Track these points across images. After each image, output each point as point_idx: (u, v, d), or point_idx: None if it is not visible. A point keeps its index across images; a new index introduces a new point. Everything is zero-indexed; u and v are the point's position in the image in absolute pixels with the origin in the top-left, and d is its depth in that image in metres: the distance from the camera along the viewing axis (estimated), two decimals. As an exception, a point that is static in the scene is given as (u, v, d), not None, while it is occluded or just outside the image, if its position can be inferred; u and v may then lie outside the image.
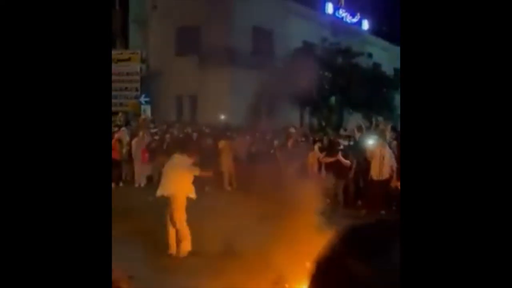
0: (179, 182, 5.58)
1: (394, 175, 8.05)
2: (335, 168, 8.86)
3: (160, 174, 11.64)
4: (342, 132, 11.95)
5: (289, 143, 9.86)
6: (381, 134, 9.60)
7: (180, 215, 5.54)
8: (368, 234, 0.71)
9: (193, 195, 5.68)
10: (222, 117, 16.32)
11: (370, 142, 8.76)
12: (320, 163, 9.18)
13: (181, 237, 5.59)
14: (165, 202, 5.76)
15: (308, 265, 4.17)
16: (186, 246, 5.61)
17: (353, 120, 13.39)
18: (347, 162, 8.80)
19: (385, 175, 8.09)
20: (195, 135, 12.14)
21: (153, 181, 11.59)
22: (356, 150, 9.08)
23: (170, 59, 19.76)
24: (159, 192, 5.65)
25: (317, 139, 10.67)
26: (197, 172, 5.67)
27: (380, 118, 12.84)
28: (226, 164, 10.61)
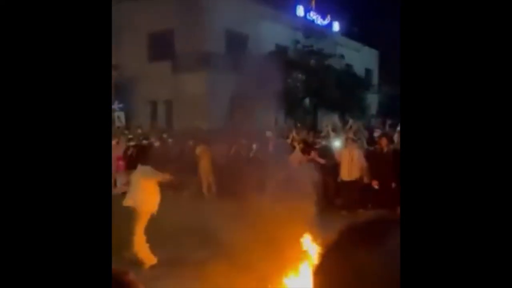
0: (142, 194, 5.45)
1: (364, 175, 8.23)
2: (314, 167, 8.99)
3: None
4: (317, 132, 12.11)
5: (270, 146, 9.91)
6: (352, 135, 9.81)
7: (139, 228, 5.37)
8: (369, 227, 0.75)
9: (154, 209, 5.51)
10: (198, 121, 16.28)
11: (339, 143, 8.96)
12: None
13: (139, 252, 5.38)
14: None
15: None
16: (149, 259, 5.46)
17: (327, 120, 13.58)
18: (322, 161, 8.94)
19: (355, 175, 8.24)
20: (170, 141, 12.08)
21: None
22: (331, 150, 9.24)
23: (143, 65, 19.58)
24: (125, 202, 5.46)
25: (294, 140, 10.77)
26: (158, 177, 5.57)
27: (352, 119, 13.09)
28: (205, 169, 10.60)
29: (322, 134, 11.12)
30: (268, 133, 10.76)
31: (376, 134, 9.73)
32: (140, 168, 5.69)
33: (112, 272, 0.73)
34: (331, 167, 8.92)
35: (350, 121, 12.38)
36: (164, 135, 12.45)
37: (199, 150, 10.80)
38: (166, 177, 5.66)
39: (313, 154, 9.06)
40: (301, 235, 4.99)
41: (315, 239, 4.73)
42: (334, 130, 10.84)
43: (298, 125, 14.57)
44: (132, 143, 11.95)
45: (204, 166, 10.62)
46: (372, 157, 8.28)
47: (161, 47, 19.62)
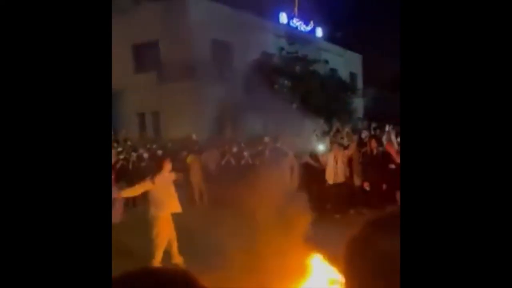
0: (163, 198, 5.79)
1: (353, 178, 8.33)
2: (306, 172, 9.06)
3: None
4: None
5: (267, 152, 9.92)
6: (340, 139, 9.94)
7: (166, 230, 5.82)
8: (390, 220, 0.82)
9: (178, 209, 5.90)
10: (187, 131, 16.29)
11: (324, 147, 9.07)
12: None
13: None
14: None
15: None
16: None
17: (315, 125, 13.71)
18: (316, 164, 9.01)
19: (341, 178, 8.34)
20: (160, 152, 12.04)
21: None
22: (319, 154, 9.31)
23: (129, 76, 19.53)
24: (151, 213, 5.77)
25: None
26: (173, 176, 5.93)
27: (338, 123, 13.24)
28: (196, 178, 10.61)
29: (310, 138, 11.21)
30: (266, 139, 10.81)
31: (363, 135, 9.88)
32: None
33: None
34: (321, 171, 9.01)
35: (337, 125, 12.55)
36: (154, 146, 12.41)
37: (189, 159, 10.82)
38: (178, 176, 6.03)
39: (306, 158, 9.16)
40: (297, 243, 5.04)
41: (312, 246, 4.80)
42: (322, 134, 10.98)
43: (288, 130, 14.67)
44: (121, 156, 11.89)
45: (195, 175, 10.63)
46: (362, 159, 8.41)
47: (146, 58, 19.62)
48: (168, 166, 5.81)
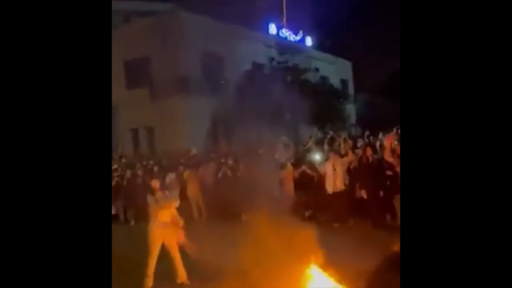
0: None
1: (350, 186, 8.28)
2: (304, 182, 9.07)
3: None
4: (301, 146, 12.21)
5: (263, 164, 9.82)
6: (334, 147, 9.96)
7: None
8: None
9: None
10: (182, 145, 16.26)
11: (320, 156, 9.06)
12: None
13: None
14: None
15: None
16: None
17: (310, 134, 13.75)
18: (314, 173, 9.01)
19: (340, 187, 8.28)
20: (156, 168, 11.99)
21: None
22: (316, 163, 9.31)
23: (122, 93, 19.51)
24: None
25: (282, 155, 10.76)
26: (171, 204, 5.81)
27: (331, 131, 13.26)
28: (193, 193, 10.57)
29: (306, 147, 11.22)
30: (261, 150, 10.77)
31: (359, 144, 9.92)
32: (150, 197, 5.80)
33: None
34: (318, 180, 9.00)
35: (331, 133, 12.57)
36: (151, 162, 12.37)
37: (186, 174, 10.77)
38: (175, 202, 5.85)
39: (304, 167, 9.18)
40: (297, 253, 5.04)
41: (313, 256, 4.80)
42: (317, 143, 11.01)
43: (284, 140, 14.69)
44: (116, 174, 11.84)
45: (192, 190, 10.57)
46: (358, 167, 8.43)
47: (138, 73, 19.63)
48: (156, 185, 5.81)
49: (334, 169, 8.28)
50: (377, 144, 9.43)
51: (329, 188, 8.32)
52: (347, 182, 8.30)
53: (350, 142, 10.34)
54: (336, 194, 8.23)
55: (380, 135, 9.40)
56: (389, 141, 7.22)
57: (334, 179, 8.25)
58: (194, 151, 13.28)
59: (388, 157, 7.07)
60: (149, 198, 5.73)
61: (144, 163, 12.47)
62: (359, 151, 9.02)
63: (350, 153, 8.63)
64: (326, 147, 10.21)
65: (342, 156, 8.73)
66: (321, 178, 8.67)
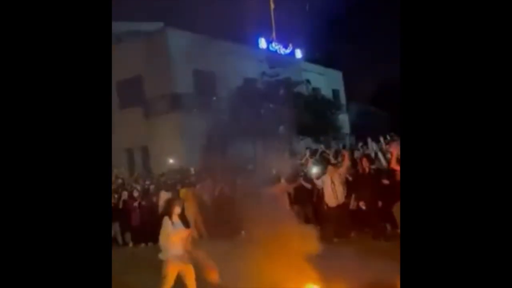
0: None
1: (349, 198, 8.19)
2: (300, 195, 9.01)
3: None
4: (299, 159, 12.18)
5: (258, 179, 9.71)
6: (331, 158, 9.93)
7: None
8: None
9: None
10: (177, 164, 16.22)
11: (317, 170, 8.96)
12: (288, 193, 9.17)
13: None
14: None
15: None
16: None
17: (304, 146, 13.77)
18: (309, 186, 8.95)
19: (340, 199, 8.16)
20: (152, 187, 11.92)
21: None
22: (312, 176, 9.24)
23: (115, 113, 19.45)
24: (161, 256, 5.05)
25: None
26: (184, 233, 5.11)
27: (322, 145, 13.24)
28: (191, 211, 10.48)
29: (302, 161, 11.17)
30: (251, 167, 10.74)
31: (356, 155, 9.91)
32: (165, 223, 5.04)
33: None
34: (316, 193, 8.95)
35: (326, 144, 12.60)
36: (147, 182, 12.30)
37: (182, 193, 10.68)
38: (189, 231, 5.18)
39: (300, 180, 9.12)
40: (298, 269, 5.02)
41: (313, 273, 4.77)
42: (312, 155, 10.98)
43: (277, 154, 14.70)
44: (115, 195, 11.75)
45: (190, 208, 10.49)
46: (355, 178, 8.42)
47: (131, 93, 19.65)
48: (178, 210, 5.08)
49: (333, 182, 8.21)
50: (372, 153, 9.44)
51: (330, 201, 8.21)
52: (346, 194, 8.21)
53: (346, 152, 10.31)
54: (337, 207, 8.13)
55: (375, 146, 9.41)
56: (395, 150, 7.17)
57: (334, 192, 8.15)
58: (192, 170, 13.21)
59: (394, 165, 7.05)
60: (166, 221, 4.94)
61: (141, 183, 12.39)
62: (354, 162, 9.01)
63: (346, 164, 8.56)
64: (321, 159, 10.18)
65: (338, 168, 8.66)
66: (319, 192, 8.62)
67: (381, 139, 9.74)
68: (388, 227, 7.97)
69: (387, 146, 8.87)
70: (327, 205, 8.26)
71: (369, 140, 10.07)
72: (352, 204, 8.12)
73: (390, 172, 7.76)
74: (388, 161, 7.88)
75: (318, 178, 8.63)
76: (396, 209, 7.78)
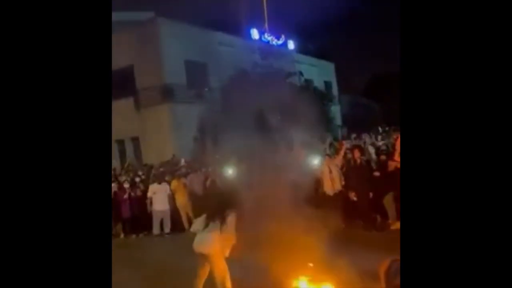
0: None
1: (343, 188, 8.25)
2: (299, 185, 8.98)
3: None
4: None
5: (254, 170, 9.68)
6: (327, 149, 9.94)
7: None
8: None
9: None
10: (168, 155, 16.13)
11: (312, 159, 8.98)
12: None
13: None
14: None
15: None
16: None
17: (298, 138, 13.74)
18: (307, 177, 8.93)
19: (338, 187, 8.24)
20: (143, 178, 11.84)
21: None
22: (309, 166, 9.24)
23: (105, 104, 19.33)
24: (197, 249, 4.81)
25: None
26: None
27: (316, 135, 13.22)
28: (182, 203, 10.48)
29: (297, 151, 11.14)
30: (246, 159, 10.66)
31: (348, 145, 9.94)
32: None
33: None
34: (313, 183, 8.95)
35: (319, 135, 12.56)
36: (140, 174, 12.22)
37: (173, 184, 10.65)
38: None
39: (296, 172, 9.08)
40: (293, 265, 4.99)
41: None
42: (307, 146, 10.95)
43: (271, 145, 14.68)
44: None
45: (181, 200, 10.48)
46: (347, 169, 8.43)
47: (121, 84, 19.45)
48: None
49: (330, 171, 8.22)
50: (363, 144, 9.47)
51: (329, 190, 8.24)
52: (343, 182, 8.26)
53: (343, 143, 10.31)
54: (335, 196, 8.17)
55: (366, 139, 9.43)
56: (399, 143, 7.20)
57: (332, 181, 8.18)
58: (182, 161, 13.15)
59: (398, 157, 7.09)
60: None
61: (131, 175, 12.30)
62: (348, 153, 9.01)
63: (341, 153, 8.61)
64: (317, 150, 10.16)
65: (334, 158, 8.70)
66: (316, 181, 8.64)
67: (375, 131, 9.77)
68: (379, 218, 8.01)
69: (382, 137, 8.89)
70: (325, 193, 8.28)
71: (364, 135, 10.10)
72: (345, 194, 8.15)
73: (381, 164, 7.78)
74: (391, 154, 7.93)
75: (313, 167, 8.62)
76: (387, 201, 7.83)
